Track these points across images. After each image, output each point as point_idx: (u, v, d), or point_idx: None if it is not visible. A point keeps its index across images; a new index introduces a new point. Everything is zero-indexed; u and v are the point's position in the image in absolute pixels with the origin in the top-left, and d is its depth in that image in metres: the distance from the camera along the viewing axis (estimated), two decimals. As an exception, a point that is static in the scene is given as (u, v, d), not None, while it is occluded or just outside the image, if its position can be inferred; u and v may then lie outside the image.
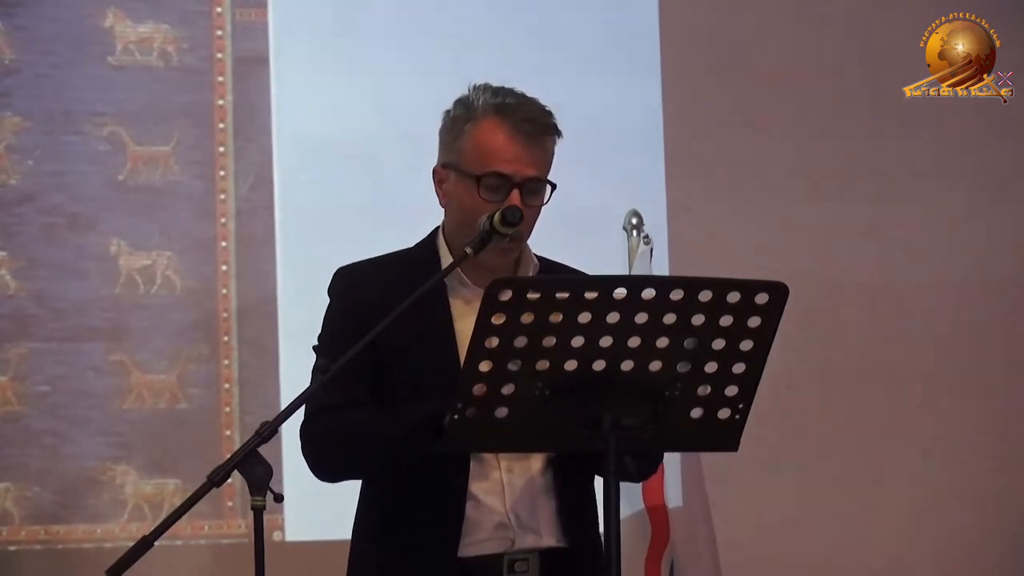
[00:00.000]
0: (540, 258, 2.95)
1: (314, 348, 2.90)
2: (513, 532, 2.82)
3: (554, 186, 2.86)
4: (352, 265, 2.97)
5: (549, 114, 2.88)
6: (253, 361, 4.91)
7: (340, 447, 2.83)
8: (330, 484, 2.90)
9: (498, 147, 2.82)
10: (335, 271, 2.96)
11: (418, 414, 2.70)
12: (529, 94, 2.90)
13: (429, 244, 2.95)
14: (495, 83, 2.91)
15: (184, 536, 4.80)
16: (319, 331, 2.94)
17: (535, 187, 2.84)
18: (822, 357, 5.15)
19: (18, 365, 4.82)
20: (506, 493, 2.83)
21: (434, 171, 2.92)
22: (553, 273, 2.95)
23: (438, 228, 2.95)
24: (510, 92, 2.88)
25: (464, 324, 2.78)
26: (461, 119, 2.87)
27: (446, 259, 2.88)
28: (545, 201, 2.86)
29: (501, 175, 2.81)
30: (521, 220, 2.76)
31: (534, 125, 2.83)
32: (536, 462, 2.85)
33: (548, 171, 2.87)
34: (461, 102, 2.89)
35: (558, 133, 2.88)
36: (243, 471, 2.58)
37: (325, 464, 2.86)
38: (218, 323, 4.92)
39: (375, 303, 2.77)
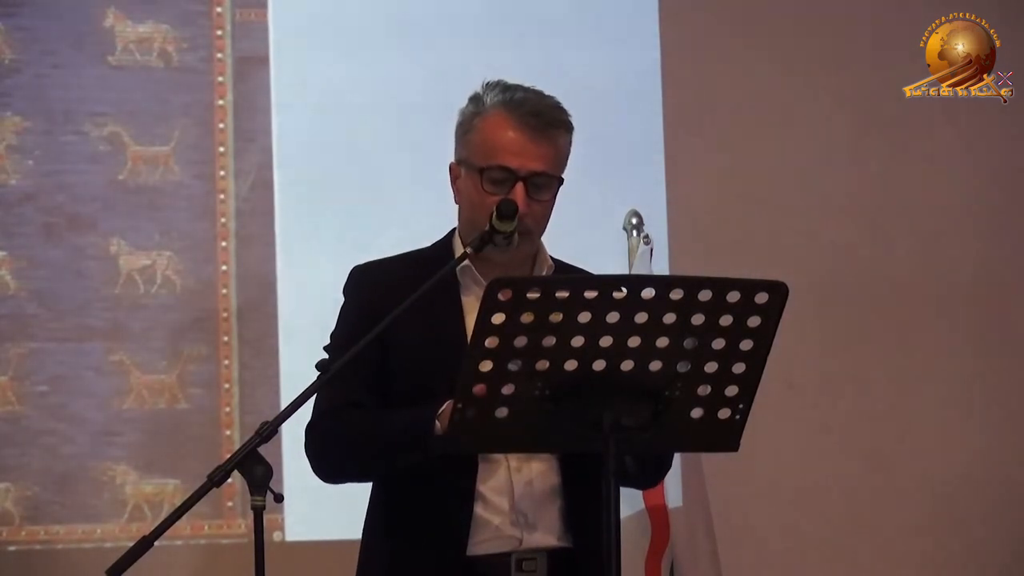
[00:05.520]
0: (555, 260, 2.95)
1: (325, 348, 2.90)
2: (520, 531, 2.82)
3: (561, 181, 2.86)
4: (368, 263, 2.98)
5: (559, 110, 2.88)
6: (253, 361, 4.91)
7: (338, 451, 2.85)
8: (331, 484, 2.91)
9: (503, 140, 2.83)
10: (351, 269, 2.96)
11: (407, 421, 2.72)
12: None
13: (445, 243, 2.96)
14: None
15: (184, 536, 4.79)
16: (331, 328, 2.94)
17: (541, 182, 2.84)
18: (822, 357, 5.15)
19: (18, 365, 4.82)
20: (514, 493, 2.83)
21: (449, 168, 2.93)
22: (566, 274, 2.95)
23: (454, 229, 2.96)
24: (520, 88, 2.89)
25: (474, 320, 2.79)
26: (471, 115, 2.88)
27: None
28: (553, 196, 2.86)
29: (505, 168, 2.82)
30: (516, 212, 2.76)
31: (540, 120, 2.83)
32: (544, 462, 2.86)
33: (559, 167, 2.87)
34: (473, 99, 2.91)
35: (568, 128, 2.88)
36: (243, 471, 2.58)
37: (324, 466, 2.88)
38: (218, 323, 4.92)
39: (389, 302, 2.77)
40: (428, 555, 2.81)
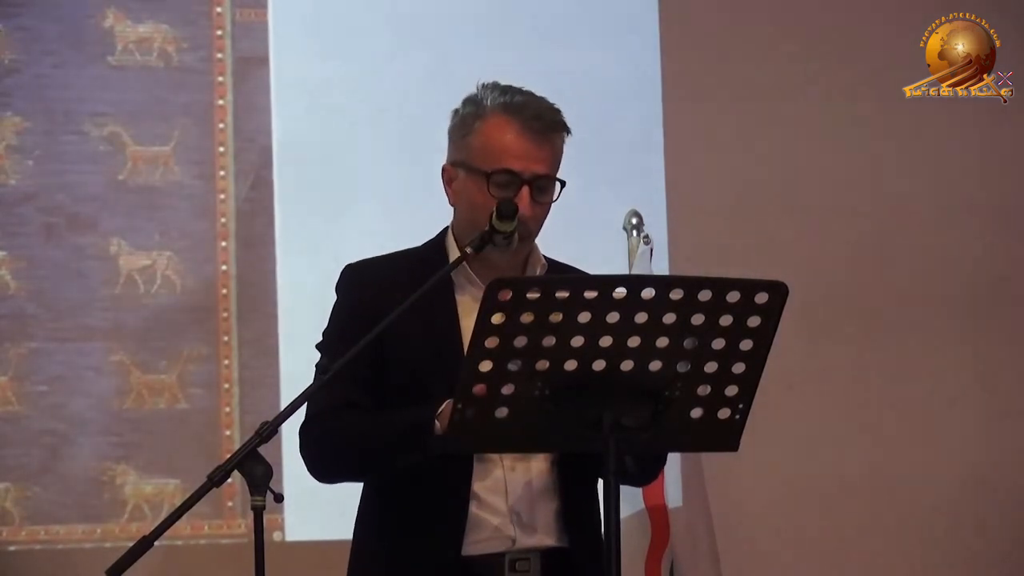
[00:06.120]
0: (548, 259, 2.95)
1: (317, 346, 2.91)
2: (514, 531, 2.82)
3: (563, 183, 2.87)
4: (360, 262, 2.97)
5: (557, 111, 2.89)
6: (253, 361, 4.91)
7: (335, 450, 2.84)
8: (326, 484, 2.91)
9: (507, 144, 2.83)
10: (343, 268, 2.97)
11: (407, 421, 2.72)
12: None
13: (438, 243, 2.96)
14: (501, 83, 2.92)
15: (184, 536, 4.79)
16: (324, 327, 2.94)
17: (544, 184, 2.85)
18: (822, 357, 5.14)
19: (18, 365, 4.82)
20: (508, 492, 2.83)
21: (443, 169, 2.93)
22: (559, 274, 2.95)
23: (447, 228, 2.96)
24: (518, 90, 2.89)
25: (469, 321, 2.77)
26: (470, 117, 2.88)
27: (454, 257, 2.89)
28: (554, 199, 2.87)
29: (510, 172, 2.82)
30: (516, 212, 2.77)
31: (543, 122, 2.84)
32: (539, 462, 2.85)
33: (557, 168, 2.87)
34: (470, 100, 2.90)
35: (567, 130, 2.89)
36: (243, 471, 2.58)
37: (321, 466, 2.87)
38: (218, 323, 4.92)
39: (382, 301, 2.78)
40: (424, 555, 2.81)
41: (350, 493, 2.97)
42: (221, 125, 4.97)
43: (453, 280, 2.88)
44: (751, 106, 5.19)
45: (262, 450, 2.60)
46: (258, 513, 2.58)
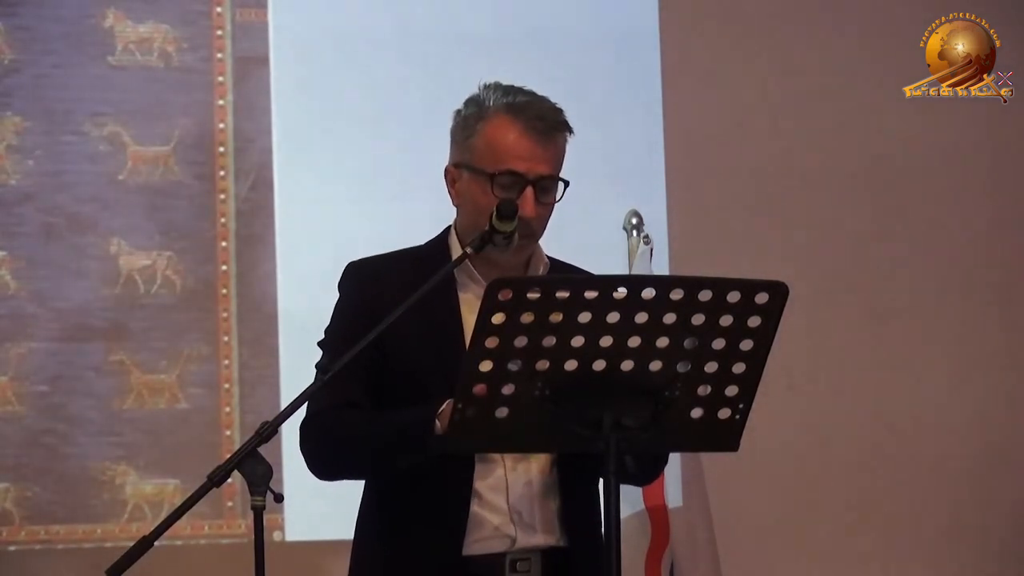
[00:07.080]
0: (551, 258, 2.96)
1: (319, 344, 2.91)
2: (515, 530, 2.82)
3: (567, 183, 2.87)
4: (363, 260, 2.98)
5: (560, 111, 2.88)
6: (253, 361, 4.91)
7: (336, 448, 2.84)
8: (330, 483, 2.91)
9: (511, 145, 2.83)
10: (346, 265, 2.97)
11: (407, 421, 2.72)
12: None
13: (440, 242, 2.96)
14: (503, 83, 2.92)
15: (184, 536, 4.79)
16: (326, 325, 2.94)
17: (548, 185, 2.85)
18: (823, 357, 5.15)
19: (18, 365, 4.82)
20: (509, 492, 2.83)
21: (446, 171, 2.93)
22: (562, 273, 2.95)
23: (450, 227, 2.96)
24: (520, 90, 2.89)
25: (472, 320, 2.78)
26: (473, 118, 2.87)
27: (456, 256, 2.88)
28: (558, 198, 2.87)
29: (514, 173, 2.82)
30: (516, 212, 2.77)
31: (545, 123, 2.84)
32: (540, 462, 2.86)
33: (560, 168, 2.87)
34: (472, 101, 2.90)
35: (569, 130, 2.89)
36: (243, 471, 2.58)
37: (321, 464, 2.87)
38: (218, 323, 4.92)
39: (385, 299, 2.78)
40: (424, 554, 2.81)
41: (350, 493, 2.97)
42: (221, 125, 4.97)
43: (456, 279, 2.88)
44: (751, 106, 5.20)
45: (262, 450, 2.60)
46: (258, 513, 2.58)
